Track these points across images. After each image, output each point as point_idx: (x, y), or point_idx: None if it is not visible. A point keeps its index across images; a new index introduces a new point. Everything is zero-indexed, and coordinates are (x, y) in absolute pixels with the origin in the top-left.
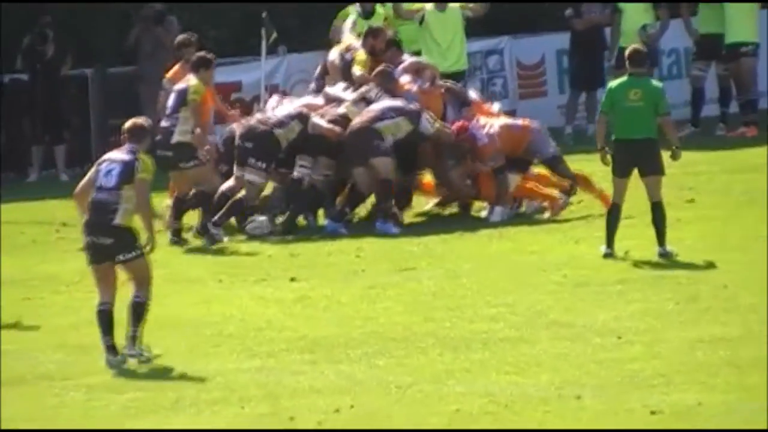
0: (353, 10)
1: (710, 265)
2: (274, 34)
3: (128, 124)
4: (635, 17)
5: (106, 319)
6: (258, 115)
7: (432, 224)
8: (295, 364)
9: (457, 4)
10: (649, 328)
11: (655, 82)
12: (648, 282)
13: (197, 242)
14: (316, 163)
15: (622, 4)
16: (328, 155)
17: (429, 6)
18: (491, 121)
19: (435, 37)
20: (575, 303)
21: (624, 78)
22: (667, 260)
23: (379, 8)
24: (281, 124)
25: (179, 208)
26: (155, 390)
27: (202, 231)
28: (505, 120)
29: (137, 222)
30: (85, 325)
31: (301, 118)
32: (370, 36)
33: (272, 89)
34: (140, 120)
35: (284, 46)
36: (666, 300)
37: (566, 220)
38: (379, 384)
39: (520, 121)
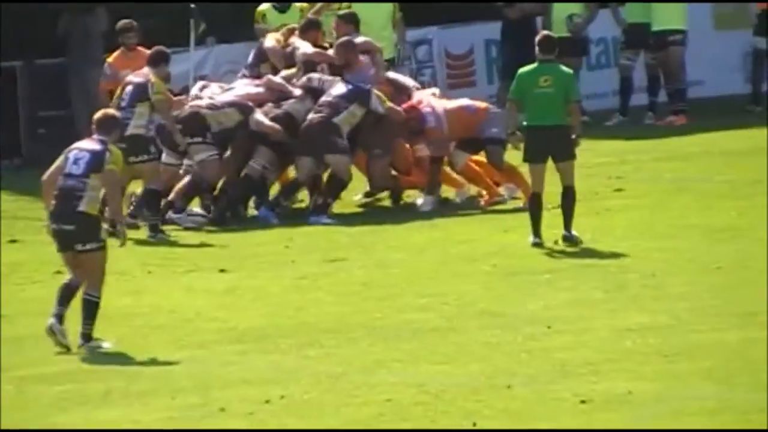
0: (268, 6)
1: (639, 254)
2: (203, 25)
3: (98, 114)
4: (564, 7)
5: (66, 293)
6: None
7: (362, 215)
8: (225, 354)
9: (299, 4)
10: (578, 317)
11: (566, 69)
12: (577, 271)
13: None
14: (257, 153)
15: None
16: (271, 148)
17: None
18: (441, 103)
19: (363, 26)
20: (505, 292)
21: (534, 65)
22: (595, 248)
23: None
24: (213, 106)
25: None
26: (85, 382)
27: (152, 233)
28: (459, 102)
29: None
30: (15, 318)
31: (243, 108)
32: (312, 27)
33: (201, 80)
34: (110, 111)
35: (213, 37)
36: (595, 289)
37: (496, 210)
38: (310, 374)
39: (478, 104)
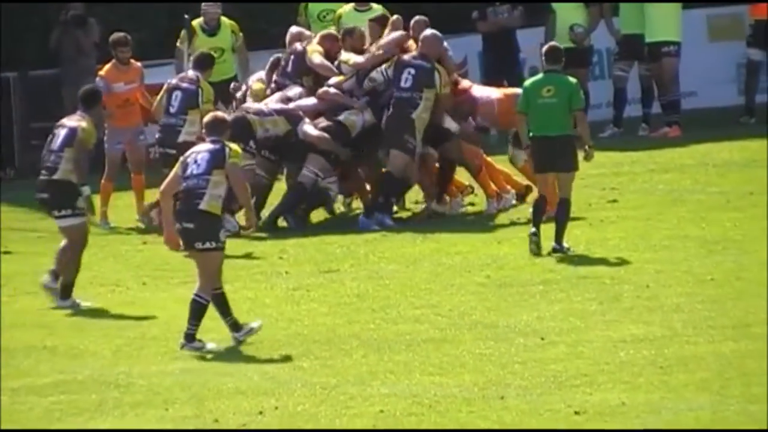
0: (197, 26)
1: (633, 265)
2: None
3: (208, 118)
4: (566, 17)
5: (219, 302)
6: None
7: (355, 225)
8: (219, 365)
9: (380, 6)
10: (572, 328)
11: (569, 78)
12: (571, 282)
13: (129, 244)
14: (308, 160)
15: (555, 5)
16: (322, 155)
17: (347, 7)
18: (492, 90)
19: None
20: (498, 303)
21: (540, 75)
22: (589, 259)
23: (225, 20)
24: (260, 112)
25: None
26: (79, 393)
27: None
28: (507, 90)
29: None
30: (7, 329)
31: (291, 118)
32: (347, 36)
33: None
34: (220, 114)
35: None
36: (589, 300)
37: (489, 221)
38: (304, 385)
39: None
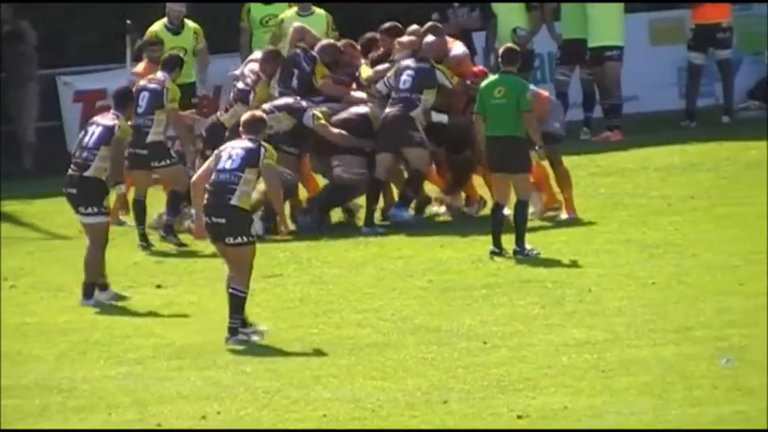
0: (160, 27)
1: (575, 269)
2: (139, 41)
3: (246, 116)
4: (508, 20)
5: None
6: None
7: (298, 230)
8: (162, 370)
9: (322, 11)
10: (515, 332)
11: (519, 79)
12: (514, 286)
13: (74, 249)
14: (341, 160)
15: (495, 6)
16: (352, 153)
17: (290, 12)
18: None
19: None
20: (441, 308)
21: (495, 76)
22: (532, 263)
23: (189, 23)
24: (263, 111)
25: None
26: (23, 397)
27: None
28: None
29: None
30: None
31: (291, 110)
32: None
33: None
34: (258, 113)
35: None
36: (532, 304)
37: (431, 226)
38: (247, 390)
39: (542, 91)
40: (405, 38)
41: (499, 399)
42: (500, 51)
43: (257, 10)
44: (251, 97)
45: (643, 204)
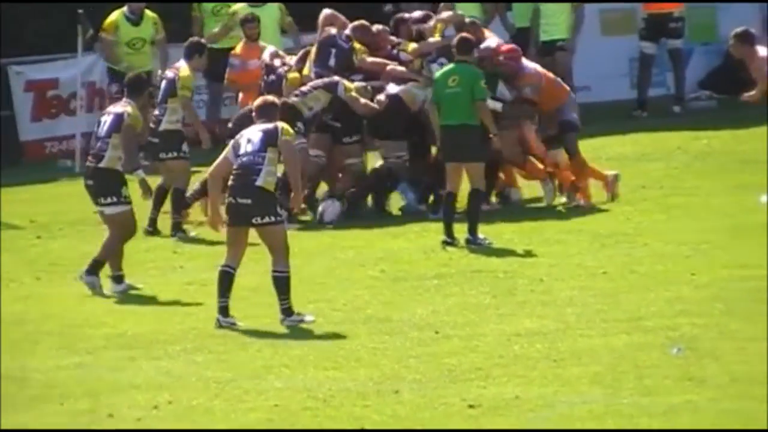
0: (120, 16)
1: (527, 259)
2: (90, 31)
3: (258, 102)
4: (461, 12)
5: (226, 281)
6: None
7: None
8: (114, 360)
9: (275, 4)
10: (466, 322)
11: (473, 68)
12: (465, 276)
13: (23, 239)
14: (385, 148)
15: None
16: (395, 139)
17: (242, 4)
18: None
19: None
20: (393, 298)
21: (450, 66)
22: (484, 253)
23: (148, 13)
24: (299, 94)
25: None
26: None
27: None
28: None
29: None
30: None
31: (327, 86)
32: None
33: (89, 87)
34: (270, 98)
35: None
36: (483, 294)
37: (384, 216)
38: (198, 380)
39: (564, 85)
40: (444, 14)
41: (451, 389)
42: (454, 41)
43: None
44: (283, 84)
45: (595, 194)
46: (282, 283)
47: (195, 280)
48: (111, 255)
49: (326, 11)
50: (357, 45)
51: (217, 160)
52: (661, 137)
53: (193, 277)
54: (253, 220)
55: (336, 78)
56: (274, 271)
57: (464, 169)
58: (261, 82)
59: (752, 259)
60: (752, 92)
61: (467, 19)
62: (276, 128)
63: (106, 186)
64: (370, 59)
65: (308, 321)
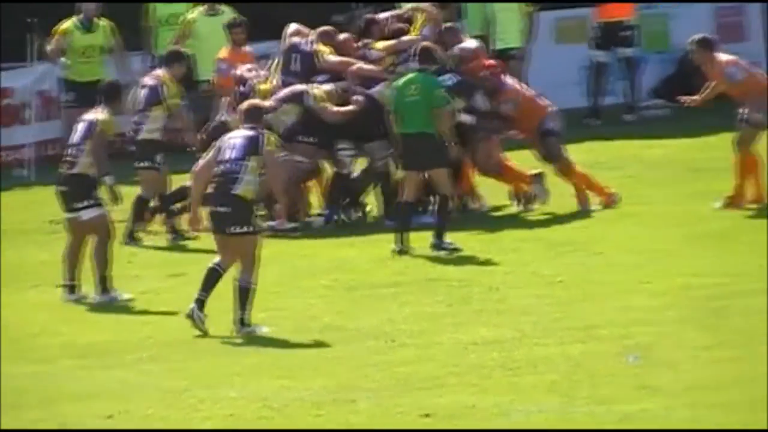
0: (71, 24)
1: (482, 267)
2: (44, 40)
3: (245, 106)
4: None
5: (212, 277)
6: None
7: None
8: (68, 369)
9: (229, 9)
10: (422, 331)
11: (431, 77)
12: (420, 285)
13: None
14: (370, 151)
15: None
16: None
17: (196, 12)
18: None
19: (203, 45)
20: (347, 306)
21: (410, 74)
22: (439, 262)
23: (101, 20)
24: (271, 109)
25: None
26: None
27: (128, 239)
28: (531, 92)
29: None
30: None
31: (294, 98)
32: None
33: (42, 96)
34: (256, 102)
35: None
36: (438, 302)
37: (337, 225)
38: (153, 389)
39: (543, 101)
40: (423, 5)
41: (406, 397)
42: (416, 49)
43: (161, 9)
44: (252, 95)
45: (550, 202)
46: (245, 295)
47: (149, 289)
48: (106, 262)
49: (292, 26)
50: (320, 47)
51: (202, 159)
52: (614, 146)
53: (148, 286)
54: (230, 229)
55: (300, 88)
56: (240, 280)
57: (428, 177)
58: (233, 94)
59: (706, 267)
60: (695, 96)
61: (444, 25)
62: (260, 136)
63: (80, 191)
64: (334, 58)
65: (263, 332)
